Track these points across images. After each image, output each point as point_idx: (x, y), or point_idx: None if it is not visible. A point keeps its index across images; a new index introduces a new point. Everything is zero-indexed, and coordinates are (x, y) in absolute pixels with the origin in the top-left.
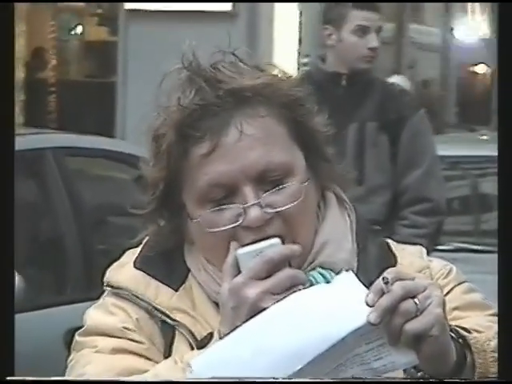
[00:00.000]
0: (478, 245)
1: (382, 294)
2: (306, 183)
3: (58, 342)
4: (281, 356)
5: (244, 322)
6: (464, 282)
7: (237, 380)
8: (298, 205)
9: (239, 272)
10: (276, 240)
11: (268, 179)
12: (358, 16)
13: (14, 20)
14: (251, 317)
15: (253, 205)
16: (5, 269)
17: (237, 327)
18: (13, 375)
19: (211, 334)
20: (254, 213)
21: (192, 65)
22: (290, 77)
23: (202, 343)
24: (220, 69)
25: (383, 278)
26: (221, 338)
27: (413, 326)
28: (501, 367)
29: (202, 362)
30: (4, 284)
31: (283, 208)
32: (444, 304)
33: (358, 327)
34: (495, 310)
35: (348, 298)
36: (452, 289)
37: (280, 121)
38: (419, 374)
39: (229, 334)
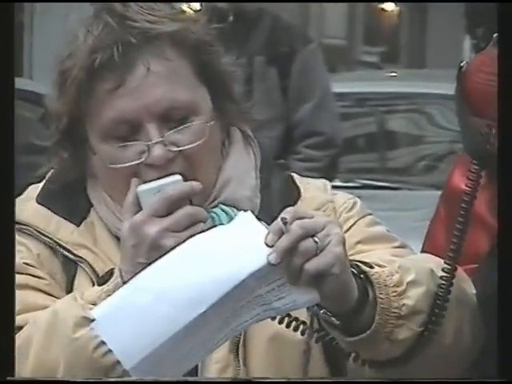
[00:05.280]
0: (384, 182)
1: (282, 234)
2: (211, 123)
3: None
4: (182, 300)
5: (144, 260)
6: (368, 214)
7: (237, 380)
8: (202, 144)
9: (140, 209)
10: (177, 177)
11: (172, 117)
12: None
13: (14, 20)
14: (151, 254)
15: (156, 143)
16: (5, 273)
17: (137, 264)
18: (13, 375)
19: (112, 271)
20: (158, 151)
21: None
22: (201, 18)
23: (102, 280)
24: (130, 5)
25: (282, 219)
26: (121, 276)
27: (313, 264)
28: (501, 367)
29: (104, 312)
30: (4, 286)
31: (187, 147)
32: (344, 242)
33: (258, 268)
34: (400, 242)
35: (248, 240)
36: (355, 222)
37: (188, 61)
38: (321, 311)
39: (129, 271)
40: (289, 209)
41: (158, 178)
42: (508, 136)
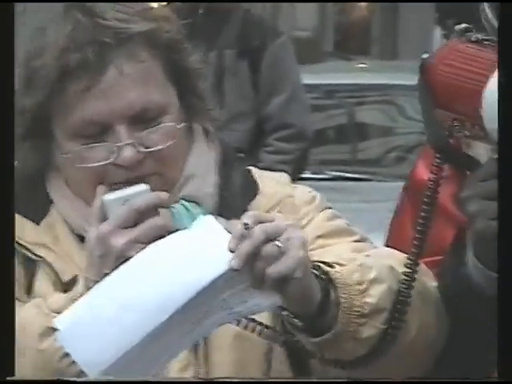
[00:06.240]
0: (355, 173)
1: (244, 238)
2: (182, 125)
3: None
4: (146, 308)
5: (110, 271)
6: (328, 208)
7: (236, 380)
8: (172, 145)
9: (107, 217)
10: (144, 187)
11: (143, 119)
12: None
13: (14, 20)
14: (117, 266)
15: (127, 144)
16: (4, 272)
17: (104, 275)
18: (13, 375)
19: (76, 277)
20: (128, 152)
21: None
22: (171, 15)
23: (66, 287)
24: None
25: (244, 224)
26: (87, 285)
27: (275, 269)
28: (501, 367)
29: (67, 323)
30: (4, 286)
31: (157, 148)
32: (306, 244)
33: (221, 273)
34: (360, 235)
35: (210, 245)
36: (315, 216)
37: (159, 61)
38: (284, 313)
39: (95, 281)
40: (250, 213)
41: (128, 180)
42: (508, 136)
